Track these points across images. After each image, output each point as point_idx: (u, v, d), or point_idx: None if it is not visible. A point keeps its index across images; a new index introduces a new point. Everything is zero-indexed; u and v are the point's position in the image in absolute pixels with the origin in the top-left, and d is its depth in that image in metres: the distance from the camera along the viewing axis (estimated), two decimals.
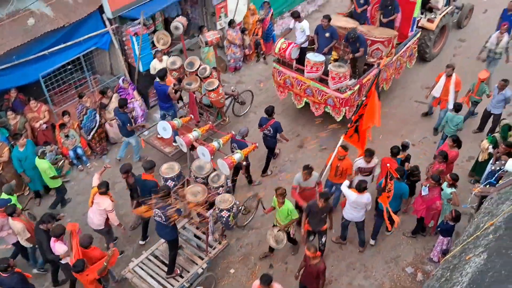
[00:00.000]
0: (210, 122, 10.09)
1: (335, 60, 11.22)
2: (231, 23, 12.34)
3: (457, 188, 8.19)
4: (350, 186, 8.17)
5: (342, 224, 8.62)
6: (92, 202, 7.99)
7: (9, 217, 7.74)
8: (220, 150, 8.47)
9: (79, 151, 10.18)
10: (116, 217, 8.07)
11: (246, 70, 13.24)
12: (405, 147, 9.13)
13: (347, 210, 8.23)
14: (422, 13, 12.53)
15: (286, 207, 7.79)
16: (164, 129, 8.89)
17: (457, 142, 8.90)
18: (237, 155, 8.15)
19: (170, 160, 9.01)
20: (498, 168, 8.28)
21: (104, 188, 7.82)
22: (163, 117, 10.37)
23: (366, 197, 7.90)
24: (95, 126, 10.23)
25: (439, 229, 8.09)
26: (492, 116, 10.52)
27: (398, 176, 7.97)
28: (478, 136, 10.81)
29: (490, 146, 9.10)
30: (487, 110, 10.60)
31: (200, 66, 10.06)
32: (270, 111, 9.56)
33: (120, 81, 10.83)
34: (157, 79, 9.97)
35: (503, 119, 10.09)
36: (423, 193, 8.26)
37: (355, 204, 7.99)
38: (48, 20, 9.67)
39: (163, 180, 7.99)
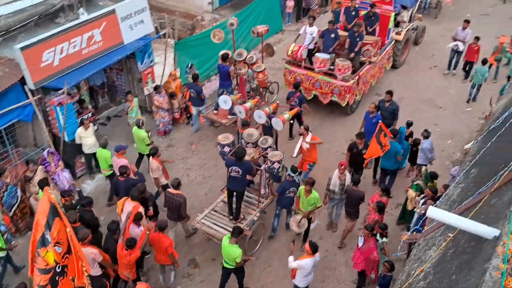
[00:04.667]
0: (258, 97, 12.53)
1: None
2: (157, 89, 12.44)
3: (388, 237, 8.43)
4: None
5: None
6: (122, 210, 8.82)
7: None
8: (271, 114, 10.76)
9: (2, 228, 9.50)
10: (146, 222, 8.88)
11: (176, 133, 13.27)
12: (409, 124, 11.25)
13: (299, 279, 8.06)
14: None
15: (313, 196, 9.20)
16: (225, 101, 11.31)
17: (386, 191, 9.28)
18: (286, 115, 10.68)
19: (224, 131, 11.28)
20: (423, 212, 8.65)
21: (136, 193, 8.77)
22: (221, 94, 12.54)
23: (318, 255, 7.96)
24: (16, 202, 9.67)
25: (378, 284, 8.17)
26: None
27: (392, 135, 10.23)
28: (404, 182, 11.26)
29: (417, 196, 9.48)
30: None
31: (247, 56, 12.64)
32: (297, 85, 12.23)
33: (45, 153, 10.41)
34: (220, 61, 12.71)
35: (424, 165, 10.64)
36: (359, 244, 8.39)
37: (312, 268, 7.95)
38: None
39: (220, 146, 9.75)
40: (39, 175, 9.94)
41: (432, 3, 19.89)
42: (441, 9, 20.06)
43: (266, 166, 9.49)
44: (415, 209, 9.22)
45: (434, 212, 4.32)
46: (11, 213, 9.71)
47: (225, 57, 12.64)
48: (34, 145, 11.26)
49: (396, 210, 10.77)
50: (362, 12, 14.33)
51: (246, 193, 9.99)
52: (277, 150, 10.53)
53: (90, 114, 11.46)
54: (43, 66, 10.20)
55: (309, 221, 9.55)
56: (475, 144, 7.58)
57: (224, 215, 9.77)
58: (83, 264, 6.89)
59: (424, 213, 8.46)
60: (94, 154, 11.16)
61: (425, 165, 10.60)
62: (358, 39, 13.39)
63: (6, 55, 10.31)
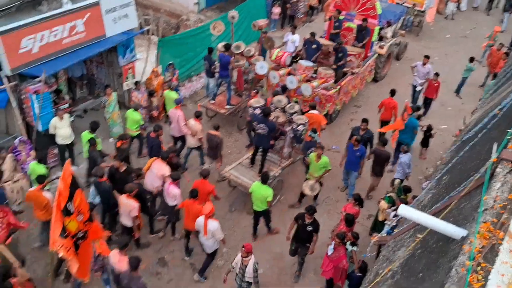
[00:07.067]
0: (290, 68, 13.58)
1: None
2: (136, 85, 12.31)
3: (358, 246, 8.47)
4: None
5: None
6: (149, 168, 9.48)
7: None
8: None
9: None
10: None
11: None
12: (418, 108, 12.77)
13: None
14: None
15: (323, 160, 10.19)
16: (262, 67, 12.58)
17: (359, 201, 9.33)
18: (315, 82, 12.70)
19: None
20: (394, 224, 8.71)
21: (165, 155, 9.55)
22: (219, 85, 13.43)
23: None
24: None
25: (348, 282, 8.17)
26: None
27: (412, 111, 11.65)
28: (376, 195, 11.40)
29: (388, 208, 9.56)
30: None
31: (245, 49, 13.17)
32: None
33: (16, 141, 10.18)
34: (222, 51, 12.90)
35: (400, 180, 10.71)
36: (329, 253, 8.38)
37: None
38: None
39: (252, 109, 11.16)
40: (8, 163, 9.69)
41: (415, 21, 20.32)
42: (422, 28, 20.50)
43: (292, 128, 10.83)
44: (385, 221, 9.29)
45: (405, 210, 4.37)
46: None
47: (227, 48, 12.87)
48: (6, 132, 11.02)
49: (368, 221, 10.84)
50: (347, 24, 14.47)
51: (268, 154, 11.17)
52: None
53: (66, 105, 11.27)
54: (21, 52, 10.04)
55: (320, 185, 10.49)
56: (448, 153, 7.72)
57: (250, 169, 11.02)
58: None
59: (395, 225, 8.56)
60: (67, 145, 10.97)
61: (401, 180, 10.68)
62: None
63: None
